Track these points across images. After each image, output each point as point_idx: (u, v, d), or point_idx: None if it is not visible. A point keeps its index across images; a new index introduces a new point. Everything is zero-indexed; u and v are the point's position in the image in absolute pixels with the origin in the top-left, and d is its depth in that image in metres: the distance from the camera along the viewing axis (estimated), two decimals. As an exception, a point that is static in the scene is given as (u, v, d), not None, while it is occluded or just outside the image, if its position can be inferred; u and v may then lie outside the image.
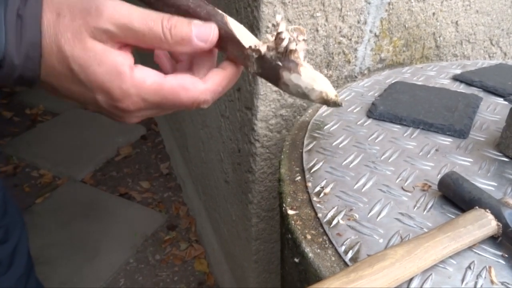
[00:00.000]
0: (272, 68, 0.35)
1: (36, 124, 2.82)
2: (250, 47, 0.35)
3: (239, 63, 0.37)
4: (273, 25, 0.37)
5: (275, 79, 0.36)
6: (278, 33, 0.34)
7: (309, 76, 0.35)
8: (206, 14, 0.36)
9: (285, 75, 0.35)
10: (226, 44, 0.36)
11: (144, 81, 0.34)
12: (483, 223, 0.43)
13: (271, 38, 0.35)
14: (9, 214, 0.97)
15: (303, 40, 0.34)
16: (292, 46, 0.34)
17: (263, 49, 0.34)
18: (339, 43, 0.82)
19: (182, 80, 0.35)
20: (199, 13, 0.36)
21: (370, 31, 0.84)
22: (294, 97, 0.83)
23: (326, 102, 0.36)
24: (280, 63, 0.35)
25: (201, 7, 0.36)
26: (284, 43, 0.33)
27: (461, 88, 0.79)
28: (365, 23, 0.82)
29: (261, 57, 0.35)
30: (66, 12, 0.32)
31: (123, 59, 0.33)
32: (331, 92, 0.35)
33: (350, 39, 0.83)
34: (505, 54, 1.06)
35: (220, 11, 0.36)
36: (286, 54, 0.34)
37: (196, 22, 0.34)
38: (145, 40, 0.33)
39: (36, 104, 3.03)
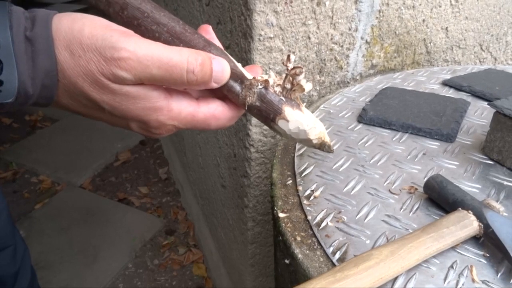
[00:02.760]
0: (275, 102, 0.35)
1: (35, 130, 2.84)
2: (254, 77, 0.35)
3: (229, 96, 0.36)
4: (282, 62, 0.37)
5: (273, 114, 0.35)
6: (297, 67, 0.34)
7: (312, 116, 0.36)
8: (204, 42, 0.35)
9: (288, 110, 0.35)
10: None
11: (180, 112, 0.34)
12: (465, 224, 0.45)
13: (273, 75, 0.36)
14: (16, 233, 0.99)
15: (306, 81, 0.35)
16: (303, 82, 0.35)
17: (271, 80, 0.35)
18: (331, 50, 0.84)
19: (213, 110, 0.35)
20: (196, 42, 0.35)
21: (361, 38, 0.86)
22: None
23: (322, 144, 0.37)
24: (283, 98, 0.35)
25: (198, 36, 0.35)
26: (301, 77, 0.34)
27: (450, 93, 0.81)
28: (356, 30, 0.84)
29: (266, 89, 0.35)
30: (80, 52, 0.30)
31: (158, 94, 0.33)
32: (327, 136, 0.37)
33: (342, 46, 0.85)
34: (495, 59, 1.08)
35: (215, 43, 0.36)
36: (290, 91, 0.35)
37: (215, 64, 0.33)
38: (162, 83, 0.32)
39: (36, 111, 3.05)
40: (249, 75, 0.36)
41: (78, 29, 0.30)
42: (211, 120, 0.36)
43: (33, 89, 0.30)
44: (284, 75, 0.35)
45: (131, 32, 0.32)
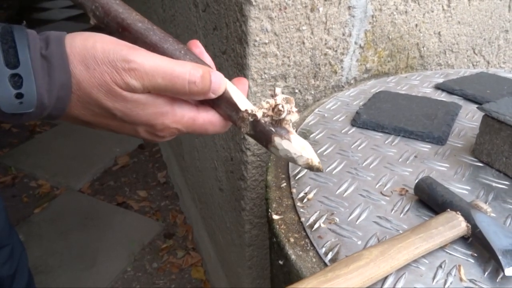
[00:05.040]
0: (265, 132, 0.38)
1: (34, 135, 2.85)
2: (246, 110, 0.38)
3: (228, 120, 0.40)
4: (271, 95, 0.40)
5: (265, 141, 0.39)
6: (277, 105, 0.37)
7: (299, 144, 0.39)
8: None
9: (277, 140, 0.38)
10: (221, 103, 0.39)
11: (183, 117, 0.38)
12: (453, 225, 0.46)
13: (265, 104, 0.38)
14: (14, 234, 1.01)
15: (295, 111, 0.38)
16: (288, 117, 0.38)
17: (259, 114, 0.38)
18: (325, 54, 0.85)
19: (211, 116, 0.39)
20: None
21: (355, 43, 0.88)
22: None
23: (310, 167, 0.40)
24: (273, 129, 0.38)
25: (199, 61, 0.39)
26: (284, 115, 0.37)
27: (443, 96, 0.83)
28: (350, 35, 0.86)
29: (256, 121, 0.38)
30: (94, 65, 0.34)
31: (163, 100, 0.37)
32: (316, 159, 0.39)
33: (336, 51, 0.86)
34: (488, 62, 1.10)
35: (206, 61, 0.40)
36: (279, 121, 0.38)
37: (214, 76, 0.37)
38: (166, 92, 0.36)
39: (34, 115, 3.06)
40: (242, 105, 0.38)
41: (91, 45, 0.34)
42: (209, 126, 0.39)
43: (49, 100, 0.33)
44: (273, 104, 0.38)
45: (137, 46, 0.36)
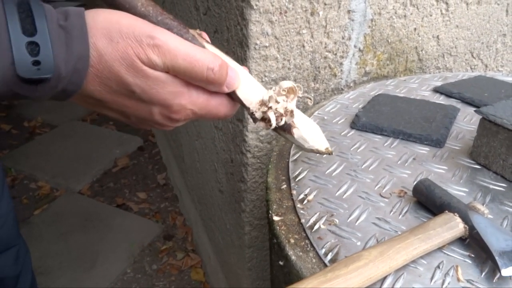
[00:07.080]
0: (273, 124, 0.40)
1: (34, 137, 2.85)
2: (249, 109, 0.40)
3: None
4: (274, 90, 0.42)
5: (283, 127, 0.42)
6: (265, 118, 0.39)
7: (300, 137, 0.41)
8: None
9: (281, 134, 0.41)
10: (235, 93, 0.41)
11: (198, 97, 0.39)
12: (451, 226, 0.47)
13: (272, 93, 0.40)
14: (20, 235, 1.01)
15: (297, 96, 0.40)
16: (281, 123, 0.40)
17: (258, 115, 0.40)
18: (325, 57, 0.86)
19: (223, 98, 0.41)
20: None
21: (355, 46, 0.89)
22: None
23: (318, 153, 0.42)
24: (277, 125, 0.40)
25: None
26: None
27: (441, 99, 0.84)
28: (350, 38, 0.87)
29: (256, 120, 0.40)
30: (118, 38, 0.34)
31: (180, 81, 0.38)
32: (322, 147, 0.41)
33: (336, 54, 0.87)
34: (486, 66, 1.11)
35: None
36: (282, 116, 0.40)
37: (231, 71, 0.39)
38: (185, 74, 0.37)
39: (34, 117, 3.07)
40: (248, 102, 0.40)
41: (116, 19, 0.35)
42: (221, 107, 0.41)
43: (66, 71, 0.33)
44: (276, 95, 0.40)
45: (160, 27, 0.37)
